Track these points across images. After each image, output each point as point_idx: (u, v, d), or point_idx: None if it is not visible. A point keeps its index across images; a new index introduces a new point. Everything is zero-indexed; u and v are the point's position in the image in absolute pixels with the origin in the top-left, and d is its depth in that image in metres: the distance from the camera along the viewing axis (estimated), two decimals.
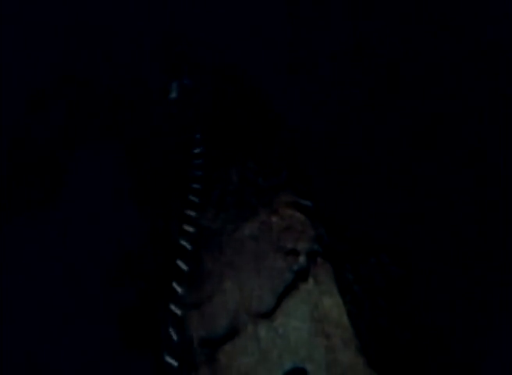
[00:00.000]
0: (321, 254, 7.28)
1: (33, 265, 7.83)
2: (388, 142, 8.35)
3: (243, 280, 7.33)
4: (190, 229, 7.95)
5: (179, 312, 7.31)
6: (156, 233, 8.20)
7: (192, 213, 8.08)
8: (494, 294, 7.06)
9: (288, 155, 8.54)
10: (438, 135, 8.35)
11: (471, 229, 7.53)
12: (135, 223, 8.22)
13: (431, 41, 9.09)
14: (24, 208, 8.41)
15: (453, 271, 7.28)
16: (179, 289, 7.45)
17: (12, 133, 9.08)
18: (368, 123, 8.70)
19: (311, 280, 7.08)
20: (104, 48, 9.89)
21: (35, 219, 8.24)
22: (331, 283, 7.03)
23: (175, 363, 6.77)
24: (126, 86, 9.66)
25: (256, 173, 8.34)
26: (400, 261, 7.46)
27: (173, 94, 8.30)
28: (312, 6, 9.75)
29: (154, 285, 7.71)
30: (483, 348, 6.70)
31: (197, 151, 8.30)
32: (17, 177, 8.74)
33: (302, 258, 7.26)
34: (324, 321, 6.77)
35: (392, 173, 8.04)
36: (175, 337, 7.15)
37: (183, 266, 7.64)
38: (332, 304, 6.88)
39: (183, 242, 7.86)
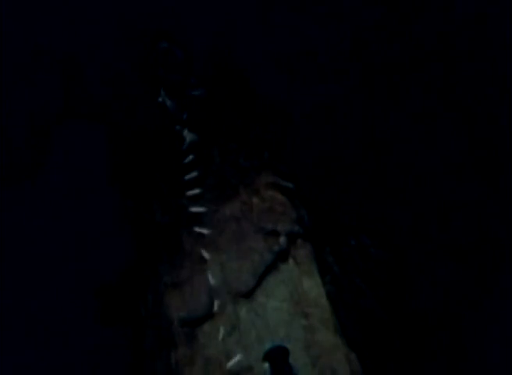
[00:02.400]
0: (302, 235, 7.31)
1: (14, 239, 7.77)
2: (372, 123, 8.35)
3: (224, 261, 7.34)
4: (171, 209, 7.91)
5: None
6: (136, 213, 8.15)
7: (173, 194, 8.03)
8: (480, 274, 7.12)
9: (270, 135, 8.51)
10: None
11: (456, 209, 7.57)
12: (114, 202, 8.15)
13: None
14: (5, 185, 8.32)
15: (436, 253, 7.34)
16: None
17: None
18: (354, 106, 8.68)
19: (291, 261, 7.11)
20: (90, 32, 9.72)
21: (18, 194, 8.16)
22: (311, 264, 7.07)
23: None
24: (111, 69, 9.52)
25: (238, 153, 8.30)
26: (380, 243, 7.51)
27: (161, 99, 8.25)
28: None
29: (133, 264, 7.68)
30: (470, 328, 6.76)
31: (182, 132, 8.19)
32: (1, 153, 8.63)
33: (282, 239, 7.28)
34: (303, 301, 6.82)
35: (375, 154, 8.05)
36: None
37: (163, 247, 7.62)
38: (311, 284, 6.92)
39: (164, 222, 7.84)
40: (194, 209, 7.85)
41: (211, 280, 7.21)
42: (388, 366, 6.58)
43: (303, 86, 8.92)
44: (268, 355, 5.38)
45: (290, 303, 6.84)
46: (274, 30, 9.45)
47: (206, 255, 7.40)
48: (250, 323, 6.81)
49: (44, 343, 6.91)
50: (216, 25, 9.60)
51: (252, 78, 9.18)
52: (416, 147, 8.05)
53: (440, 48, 8.91)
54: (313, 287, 6.91)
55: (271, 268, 7.09)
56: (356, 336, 6.67)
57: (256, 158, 8.16)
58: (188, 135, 8.37)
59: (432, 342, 6.76)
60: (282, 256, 7.16)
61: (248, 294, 6.99)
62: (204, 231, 7.59)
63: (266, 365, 5.37)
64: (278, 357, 5.31)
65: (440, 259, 7.23)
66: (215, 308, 7.01)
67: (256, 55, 9.28)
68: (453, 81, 8.62)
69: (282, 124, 8.58)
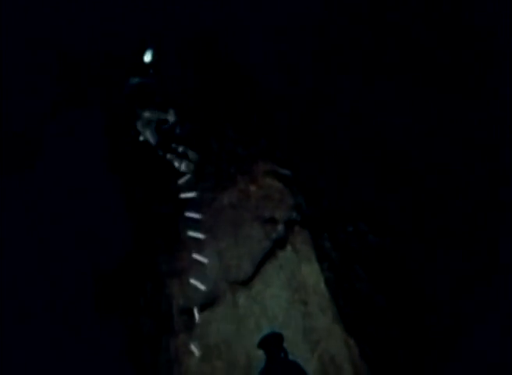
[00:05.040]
0: (300, 222, 7.31)
1: (14, 228, 7.79)
2: (367, 109, 8.31)
3: (222, 249, 7.35)
4: (169, 198, 7.91)
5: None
6: (133, 202, 8.15)
7: (170, 183, 8.02)
8: (478, 260, 7.10)
9: (267, 123, 8.49)
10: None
11: (454, 195, 7.54)
12: (112, 191, 8.15)
13: None
14: (6, 171, 8.33)
15: (434, 238, 7.33)
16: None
17: None
18: (350, 92, 8.63)
19: (289, 248, 7.11)
20: (81, 18, 9.68)
21: (16, 184, 8.18)
22: (309, 250, 7.07)
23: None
24: (104, 57, 9.48)
25: (235, 141, 8.28)
26: (378, 229, 7.50)
27: (147, 58, 8.03)
28: None
29: (132, 253, 7.68)
30: (468, 315, 6.75)
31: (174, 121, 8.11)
32: None
33: (280, 227, 7.28)
34: (301, 288, 6.83)
35: (373, 140, 8.02)
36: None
37: (161, 235, 7.63)
38: (309, 271, 6.93)
39: (162, 211, 7.84)
40: (192, 198, 7.85)
41: (210, 269, 7.22)
42: (386, 352, 6.59)
43: (299, 73, 8.87)
44: (263, 342, 5.40)
45: (289, 290, 6.86)
46: (272, 17, 9.39)
47: (204, 243, 7.41)
48: (249, 311, 6.84)
49: (42, 331, 6.93)
50: (213, 13, 9.56)
51: (249, 66, 9.15)
52: (414, 131, 8.01)
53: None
54: (311, 273, 6.92)
55: (269, 255, 7.10)
56: (354, 322, 6.68)
57: (253, 146, 8.14)
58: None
59: (429, 327, 6.77)
60: (280, 243, 7.16)
61: (246, 282, 7.01)
62: (202, 219, 7.60)
63: (261, 352, 5.38)
64: (272, 343, 5.32)
65: (438, 245, 7.22)
66: (214, 296, 7.02)
67: (254, 43, 9.23)
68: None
69: (279, 111, 8.55)
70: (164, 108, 7.87)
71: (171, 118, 7.87)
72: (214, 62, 9.34)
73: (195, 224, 7.60)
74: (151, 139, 7.80)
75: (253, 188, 7.65)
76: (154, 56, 8.04)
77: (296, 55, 8.99)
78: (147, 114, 7.73)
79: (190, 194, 7.86)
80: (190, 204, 7.80)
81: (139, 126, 7.80)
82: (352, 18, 9.23)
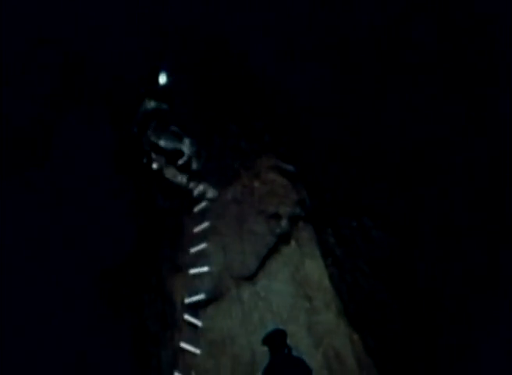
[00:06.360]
0: (304, 217, 7.30)
1: (23, 222, 7.83)
2: (372, 102, 8.26)
3: (226, 244, 7.36)
4: (173, 194, 7.92)
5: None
6: (138, 198, 8.17)
7: (175, 178, 8.03)
8: (483, 254, 7.06)
9: (270, 118, 8.47)
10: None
11: (458, 191, 7.50)
12: (117, 188, 8.18)
13: None
14: (16, 170, 8.38)
15: (438, 233, 7.30)
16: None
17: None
18: (354, 86, 8.59)
19: (293, 243, 7.10)
20: (89, 20, 9.70)
21: (26, 179, 8.22)
22: (313, 246, 7.06)
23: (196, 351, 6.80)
24: (112, 56, 9.50)
25: (239, 137, 8.27)
26: (381, 224, 7.48)
27: (162, 80, 8.07)
28: None
29: (136, 249, 7.70)
30: (474, 309, 6.72)
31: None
32: (8, 141, 8.67)
33: (284, 222, 7.27)
34: (305, 283, 6.83)
35: (376, 135, 7.98)
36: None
37: (166, 231, 7.64)
38: (313, 266, 6.92)
39: (166, 207, 7.85)
40: (196, 194, 7.85)
41: (214, 264, 7.24)
42: (390, 347, 6.59)
43: (303, 67, 8.83)
44: (267, 339, 5.41)
45: (293, 285, 6.86)
46: (273, 9, 9.35)
47: (208, 238, 7.42)
48: (254, 306, 6.85)
49: (46, 326, 6.97)
50: (215, 5, 9.55)
51: (252, 61, 9.12)
52: (416, 126, 7.97)
53: None
54: (315, 269, 6.91)
55: (273, 251, 7.09)
56: (359, 317, 6.68)
57: (257, 141, 8.12)
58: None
59: (434, 321, 6.76)
60: (284, 239, 7.16)
61: (251, 277, 7.01)
62: (206, 215, 7.60)
63: (266, 349, 5.39)
64: (276, 340, 5.33)
65: (442, 240, 7.20)
66: (218, 291, 7.04)
67: (256, 38, 9.20)
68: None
69: (283, 107, 8.52)
70: (179, 136, 7.90)
71: (186, 149, 7.90)
72: (219, 59, 9.31)
73: (199, 220, 7.60)
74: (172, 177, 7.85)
75: (257, 184, 7.64)
76: (169, 78, 8.06)
77: (299, 51, 8.94)
78: (162, 143, 7.79)
79: (194, 190, 7.86)
80: (194, 200, 7.80)
81: (154, 158, 7.84)
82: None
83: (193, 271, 7.27)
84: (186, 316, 7.00)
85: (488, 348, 6.34)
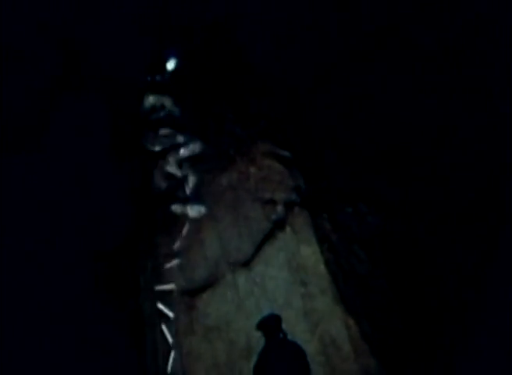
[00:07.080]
0: (299, 203, 7.29)
1: (16, 207, 7.79)
2: (370, 89, 8.22)
3: (222, 230, 7.35)
4: (168, 178, 7.89)
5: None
6: (133, 184, 8.12)
7: (170, 165, 8.00)
8: (481, 240, 7.05)
9: (266, 104, 8.42)
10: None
11: (456, 177, 7.48)
12: (113, 172, 8.14)
13: None
14: (11, 153, 8.33)
15: (434, 219, 7.29)
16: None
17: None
18: (352, 75, 8.54)
19: (288, 229, 7.11)
20: (90, 7, 9.61)
21: (22, 162, 8.17)
22: (308, 232, 7.07)
23: (170, 314, 6.81)
24: (112, 44, 9.42)
25: (234, 123, 8.23)
26: (377, 210, 7.48)
27: (170, 66, 8.03)
28: None
29: (132, 234, 7.68)
30: (471, 295, 6.73)
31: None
32: (3, 124, 8.62)
33: (280, 208, 7.27)
34: (301, 269, 6.84)
35: (372, 120, 7.95)
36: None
37: (161, 217, 7.62)
38: (309, 252, 6.93)
39: (161, 192, 7.82)
40: (191, 180, 7.82)
41: (210, 250, 7.23)
42: (387, 333, 6.61)
43: (299, 55, 8.78)
44: (261, 324, 5.41)
45: (288, 271, 6.87)
46: (272, 6, 9.29)
47: (204, 224, 7.40)
48: (249, 292, 6.86)
49: (42, 313, 6.95)
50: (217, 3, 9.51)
51: (248, 47, 9.06)
52: (414, 112, 7.93)
53: None
54: (311, 254, 6.93)
55: (268, 236, 7.10)
56: (354, 303, 6.70)
57: (252, 127, 8.09)
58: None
59: (431, 307, 6.78)
60: (279, 224, 7.16)
61: (246, 263, 7.02)
62: (202, 201, 7.58)
63: (261, 334, 5.40)
64: (271, 325, 5.33)
65: (438, 225, 7.19)
66: (214, 277, 7.03)
67: (253, 25, 9.14)
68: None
69: (278, 93, 8.47)
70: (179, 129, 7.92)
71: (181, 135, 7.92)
72: (213, 44, 9.24)
73: (195, 205, 7.58)
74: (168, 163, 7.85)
75: (252, 169, 7.62)
76: (177, 64, 8.00)
77: (295, 39, 8.88)
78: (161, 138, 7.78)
79: (190, 176, 7.83)
80: (190, 185, 7.77)
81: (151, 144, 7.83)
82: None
83: (188, 256, 7.25)
84: (182, 302, 6.99)
85: (486, 335, 6.37)
